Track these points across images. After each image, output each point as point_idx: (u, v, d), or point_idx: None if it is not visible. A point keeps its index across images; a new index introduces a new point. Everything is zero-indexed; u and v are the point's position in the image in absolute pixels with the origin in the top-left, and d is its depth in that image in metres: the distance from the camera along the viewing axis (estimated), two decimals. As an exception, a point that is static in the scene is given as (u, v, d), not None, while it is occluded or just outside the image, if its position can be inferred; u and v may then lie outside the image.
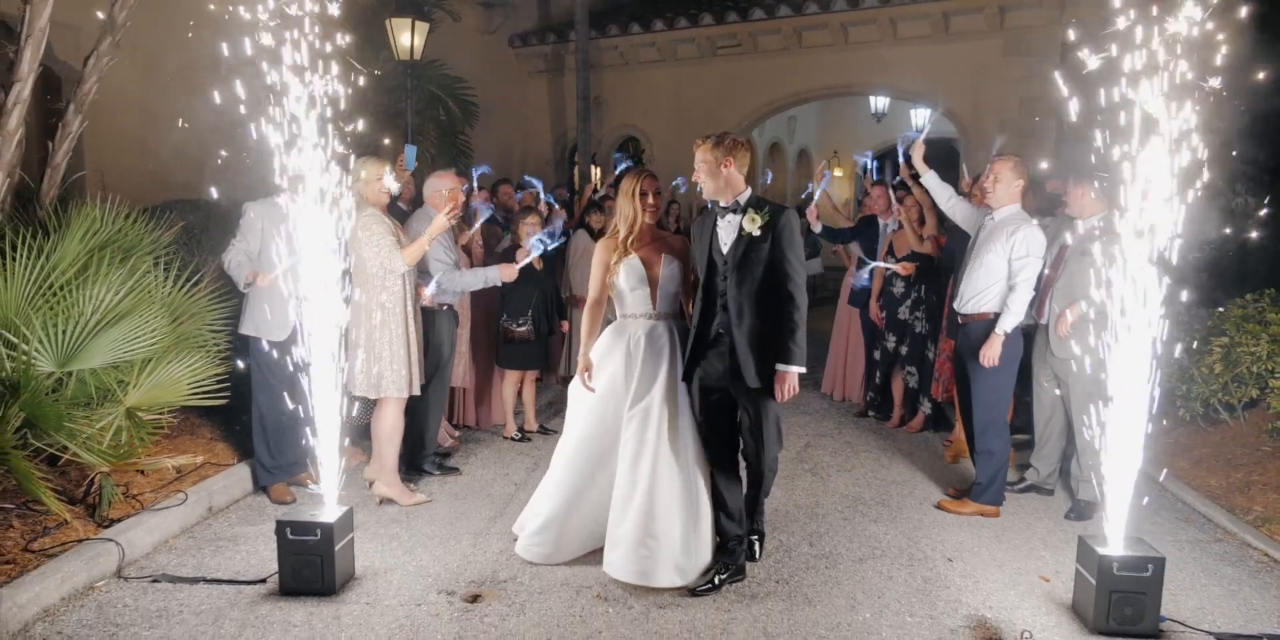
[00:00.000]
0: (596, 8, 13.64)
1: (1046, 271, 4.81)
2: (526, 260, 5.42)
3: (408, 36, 8.81)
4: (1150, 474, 5.45)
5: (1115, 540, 3.49)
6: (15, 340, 3.56)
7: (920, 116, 15.16)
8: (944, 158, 7.26)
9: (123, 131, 7.46)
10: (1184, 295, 3.61)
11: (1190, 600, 3.76)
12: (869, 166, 7.59)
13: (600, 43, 13.61)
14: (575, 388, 4.06)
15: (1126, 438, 3.51)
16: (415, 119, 9.35)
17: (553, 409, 7.10)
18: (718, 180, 3.74)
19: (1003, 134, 10.85)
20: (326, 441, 3.89)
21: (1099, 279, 3.65)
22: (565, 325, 6.90)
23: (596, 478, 4.03)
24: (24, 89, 4.32)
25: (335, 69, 3.78)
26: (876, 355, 6.75)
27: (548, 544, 4.06)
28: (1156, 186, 3.38)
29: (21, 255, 4.00)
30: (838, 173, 18.95)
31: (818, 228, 6.74)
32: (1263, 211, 7.71)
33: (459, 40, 12.17)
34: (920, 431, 6.48)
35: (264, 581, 3.79)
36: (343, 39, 3.81)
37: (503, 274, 5.27)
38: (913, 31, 12.00)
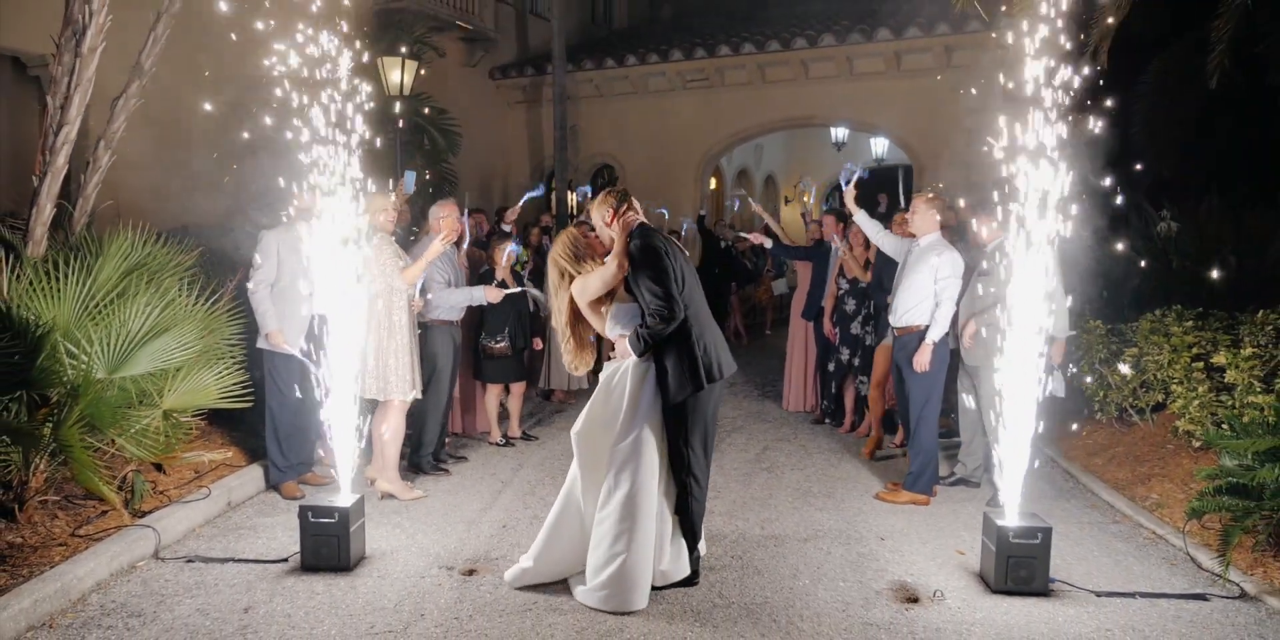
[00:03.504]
0: (573, 42, 14.43)
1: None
2: (514, 290, 6.09)
3: (398, 74, 9.46)
4: (1068, 469, 6.19)
5: (1011, 514, 4.16)
6: (76, 351, 4.12)
7: (879, 145, 16.03)
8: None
9: (132, 163, 8.01)
10: (1055, 327, 4.21)
11: (1081, 567, 4.43)
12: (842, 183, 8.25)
13: (576, 75, 14.35)
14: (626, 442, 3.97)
15: (1018, 428, 4.19)
16: (403, 148, 9.96)
17: (534, 418, 7.70)
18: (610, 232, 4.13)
19: (950, 164, 11.69)
20: (342, 436, 4.47)
21: (997, 297, 4.34)
22: (538, 342, 7.49)
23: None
24: (71, 131, 4.91)
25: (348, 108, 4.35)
26: (831, 367, 7.41)
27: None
28: (1047, 214, 4.08)
29: (71, 280, 4.57)
30: (806, 199, 19.83)
31: (768, 244, 7.46)
32: (1168, 226, 8.42)
33: (442, 72, 12.86)
34: (869, 435, 7.12)
35: (286, 560, 4.35)
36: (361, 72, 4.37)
37: (488, 295, 5.91)
38: (868, 68, 12.88)
